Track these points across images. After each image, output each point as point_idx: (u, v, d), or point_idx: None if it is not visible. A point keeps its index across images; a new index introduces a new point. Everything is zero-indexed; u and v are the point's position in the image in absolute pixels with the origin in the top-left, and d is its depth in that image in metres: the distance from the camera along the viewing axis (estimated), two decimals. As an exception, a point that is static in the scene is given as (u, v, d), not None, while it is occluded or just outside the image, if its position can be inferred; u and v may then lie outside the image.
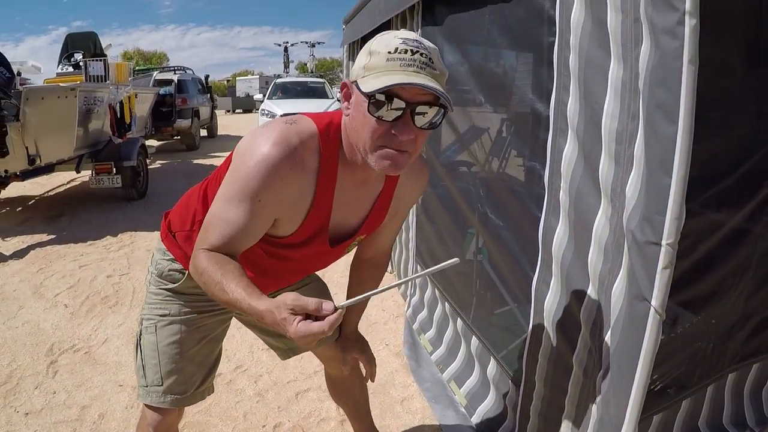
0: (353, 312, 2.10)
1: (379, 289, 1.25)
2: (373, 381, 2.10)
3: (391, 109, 1.26)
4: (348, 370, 2.11)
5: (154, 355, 1.79)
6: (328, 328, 1.09)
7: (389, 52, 1.26)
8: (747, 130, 2.01)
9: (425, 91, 1.25)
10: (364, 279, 2.04)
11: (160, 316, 1.80)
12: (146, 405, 1.84)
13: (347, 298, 2.09)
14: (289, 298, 1.14)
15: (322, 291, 2.13)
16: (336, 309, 1.12)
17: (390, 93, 1.24)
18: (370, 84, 1.25)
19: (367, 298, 1.19)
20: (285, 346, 2.14)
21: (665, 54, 1.36)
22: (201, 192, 1.73)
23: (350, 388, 2.37)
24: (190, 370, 1.83)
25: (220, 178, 1.50)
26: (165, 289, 1.81)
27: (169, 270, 1.79)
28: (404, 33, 1.33)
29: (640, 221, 1.48)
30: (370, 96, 1.26)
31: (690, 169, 1.38)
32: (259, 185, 1.35)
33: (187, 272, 1.74)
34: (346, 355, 2.07)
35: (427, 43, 1.31)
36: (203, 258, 1.36)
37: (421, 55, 1.26)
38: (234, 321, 2.02)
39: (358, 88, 1.31)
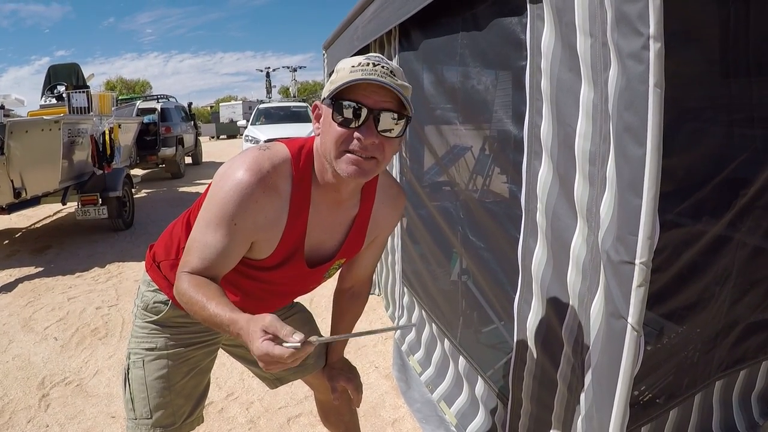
0: (339, 341, 2.12)
1: (354, 333, 1.22)
2: (358, 407, 2.12)
3: (354, 114, 1.33)
4: (338, 400, 2.11)
5: (143, 389, 1.81)
6: (288, 356, 1.10)
7: (353, 66, 1.35)
8: (721, 139, 2.05)
9: (387, 99, 1.34)
10: (345, 310, 2.07)
11: (147, 350, 1.82)
12: None
13: (331, 329, 2.11)
14: (268, 318, 1.16)
15: (306, 321, 2.15)
16: (305, 342, 1.12)
17: (353, 99, 1.33)
18: (333, 89, 1.34)
19: (341, 339, 1.19)
20: (272, 376, 2.16)
21: (632, 78, 1.39)
22: (184, 221, 1.78)
23: (341, 413, 2.37)
24: (178, 403, 1.85)
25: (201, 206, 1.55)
26: (150, 322, 1.84)
27: (155, 302, 1.82)
28: (368, 54, 1.41)
29: (613, 241, 1.51)
30: (333, 100, 1.35)
31: (666, 182, 1.41)
32: (234, 209, 1.41)
33: (170, 303, 1.79)
34: (334, 383, 2.07)
35: (391, 62, 1.39)
36: (185, 280, 1.41)
37: (383, 67, 1.34)
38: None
39: (324, 102, 1.40)
